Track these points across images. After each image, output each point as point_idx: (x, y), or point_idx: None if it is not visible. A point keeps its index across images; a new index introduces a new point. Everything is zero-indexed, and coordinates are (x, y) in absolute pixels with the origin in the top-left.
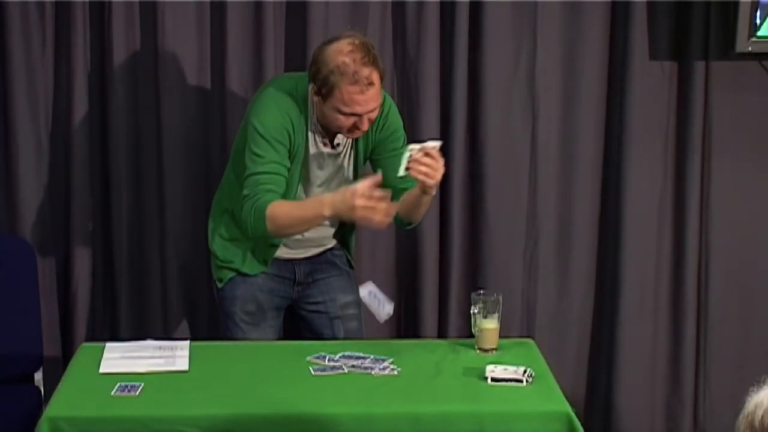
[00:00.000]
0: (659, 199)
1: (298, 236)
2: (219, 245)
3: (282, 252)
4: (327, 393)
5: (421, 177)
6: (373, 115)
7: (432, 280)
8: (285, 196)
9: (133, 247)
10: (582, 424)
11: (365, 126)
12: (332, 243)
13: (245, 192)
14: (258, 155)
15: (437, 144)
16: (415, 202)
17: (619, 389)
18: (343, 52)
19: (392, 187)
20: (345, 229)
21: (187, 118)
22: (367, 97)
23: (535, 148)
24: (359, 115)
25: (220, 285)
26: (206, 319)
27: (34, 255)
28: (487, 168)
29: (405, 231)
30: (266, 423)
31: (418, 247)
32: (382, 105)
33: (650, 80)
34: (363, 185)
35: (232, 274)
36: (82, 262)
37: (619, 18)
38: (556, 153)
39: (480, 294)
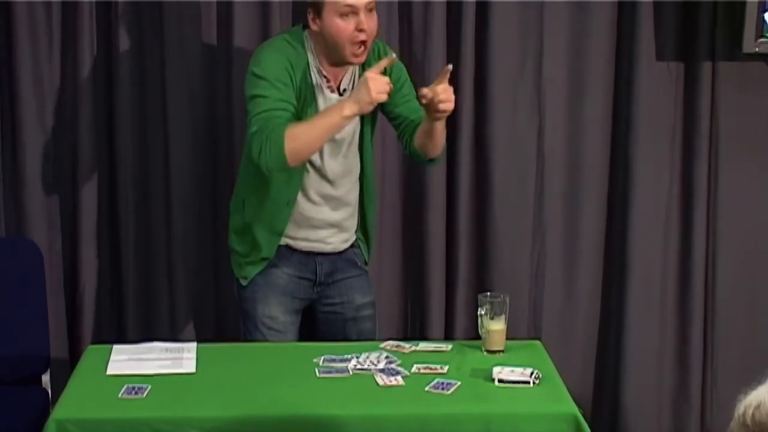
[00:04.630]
0: (666, 200)
1: (317, 222)
2: (235, 240)
3: (302, 243)
4: (333, 395)
5: (442, 106)
6: (372, 23)
7: (439, 281)
8: None
9: (140, 248)
10: (589, 426)
11: (366, 24)
12: (353, 238)
13: (253, 129)
14: (261, 96)
15: (450, 67)
16: (428, 132)
17: (626, 390)
18: None
19: (408, 123)
20: (367, 219)
21: (195, 117)
22: None
23: (542, 148)
24: (357, 13)
25: (244, 283)
26: (213, 320)
27: (40, 256)
28: (494, 169)
29: (412, 229)
30: (272, 425)
31: (425, 248)
32: None
33: (657, 81)
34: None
35: (256, 270)
36: (89, 263)
37: (625, 18)
38: (562, 154)
39: (487, 295)
